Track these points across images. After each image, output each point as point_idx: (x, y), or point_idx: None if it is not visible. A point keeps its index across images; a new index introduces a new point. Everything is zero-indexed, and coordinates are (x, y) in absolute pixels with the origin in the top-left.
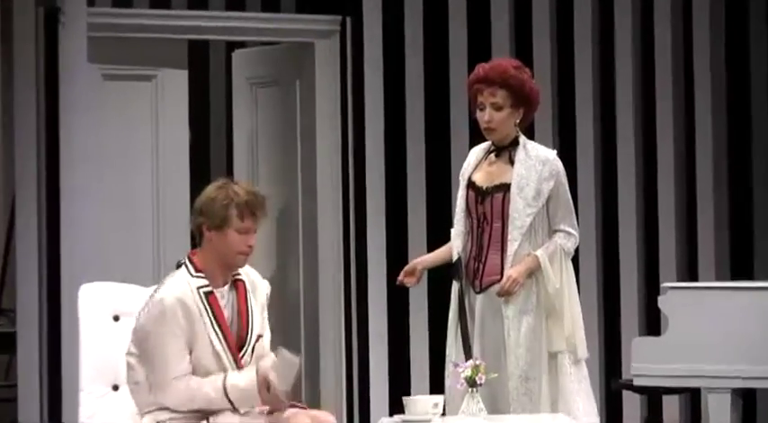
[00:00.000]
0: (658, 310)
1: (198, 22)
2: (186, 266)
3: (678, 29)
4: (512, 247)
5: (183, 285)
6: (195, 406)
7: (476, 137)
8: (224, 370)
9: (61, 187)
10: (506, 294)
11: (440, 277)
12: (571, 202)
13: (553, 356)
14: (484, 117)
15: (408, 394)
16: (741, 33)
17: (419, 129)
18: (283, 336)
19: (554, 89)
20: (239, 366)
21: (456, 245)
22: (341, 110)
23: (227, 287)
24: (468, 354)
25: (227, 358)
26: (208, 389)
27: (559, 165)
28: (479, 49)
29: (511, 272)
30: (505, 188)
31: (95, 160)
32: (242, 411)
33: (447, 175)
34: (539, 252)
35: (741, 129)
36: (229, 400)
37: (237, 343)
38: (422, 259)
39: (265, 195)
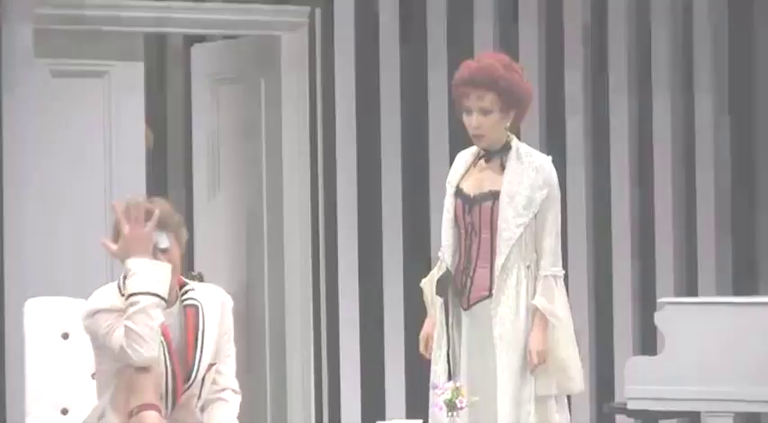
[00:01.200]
0: (654, 328)
1: (154, 13)
2: (119, 279)
3: (678, 23)
4: (499, 261)
5: (111, 294)
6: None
7: (456, 138)
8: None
9: (4, 193)
10: (541, 364)
11: (418, 291)
12: (559, 218)
13: (541, 400)
14: (471, 123)
15: (383, 417)
16: (745, 30)
17: (395, 129)
18: (247, 351)
19: (542, 84)
20: (182, 386)
21: (445, 258)
22: (309, 109)
23: (174, 308)
24: (449, 375)
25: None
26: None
27: (554, 174)
28: (461, 42)
29: (532, 346)
30: (495, 196)
31: (43, 163)
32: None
33: (425, 178)
34: (539, 302)
35: (744, 130)
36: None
37: (183, 372)
38: (429, 329)
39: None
